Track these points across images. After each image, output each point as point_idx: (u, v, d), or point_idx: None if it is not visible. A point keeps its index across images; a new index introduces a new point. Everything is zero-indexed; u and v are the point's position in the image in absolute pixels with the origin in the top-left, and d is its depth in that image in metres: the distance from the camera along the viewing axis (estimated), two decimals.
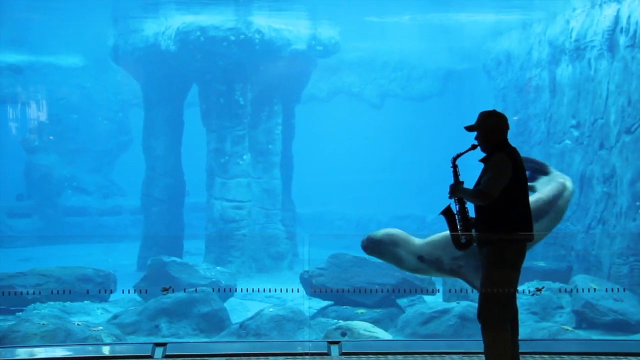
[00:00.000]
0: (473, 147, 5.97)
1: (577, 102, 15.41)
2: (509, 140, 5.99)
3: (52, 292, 13.16)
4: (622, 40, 13.57)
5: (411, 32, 22.01)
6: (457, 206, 6.06)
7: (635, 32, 13.10)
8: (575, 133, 15.41)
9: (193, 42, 17.72)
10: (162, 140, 19.67)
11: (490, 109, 6.08)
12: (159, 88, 19.67)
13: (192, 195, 22.17)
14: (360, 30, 21.41)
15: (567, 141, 15.66)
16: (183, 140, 20.11)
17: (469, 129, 5.96)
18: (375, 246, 7.26)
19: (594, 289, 12.17)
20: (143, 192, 19.95)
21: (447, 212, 6.16)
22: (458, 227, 6.08)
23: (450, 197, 6.10)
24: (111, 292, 13.94)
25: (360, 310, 12.67)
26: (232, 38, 17.62)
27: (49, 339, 10.26)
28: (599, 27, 14.35)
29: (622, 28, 13.58)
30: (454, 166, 6.06)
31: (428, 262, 7.14)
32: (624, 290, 12.32)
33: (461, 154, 6.01)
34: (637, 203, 12.89)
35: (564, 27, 16.06)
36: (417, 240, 7.26)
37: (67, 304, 13.30)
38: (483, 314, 5.90)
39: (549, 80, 16.75)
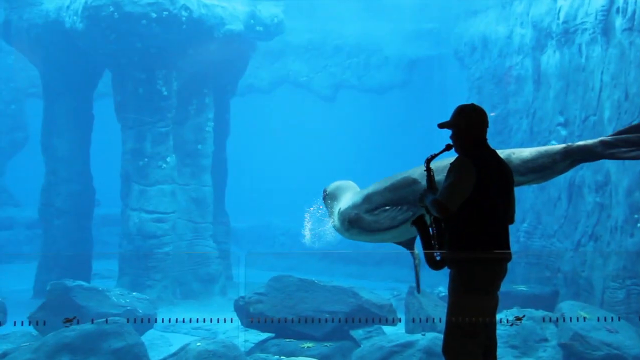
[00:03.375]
0: (447, 147, 5.97)
1: (565, 96, 15.62)
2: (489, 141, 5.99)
3: None
4: (619, 22, 13.76)
5: (369, 12, 22.11)
6: (431, 216, 5.97)
7: (634, 12, 13.28)
8: (563, 132, 15.62)
9: (105, 19, 17.53)
10: (66, 138, 19.54)
11: (466, 102, 6.09)
12: (63, 75, 19.49)
13: (103, 206, 21.97)
14: (309, 8, 21.45)
15: (554, 142, 15.87)
16: (92, 139, 19.96)
17: (442, 126, 5.95)
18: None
19: (584, 318, 12.30)
20: (42, 202, 19.77)
21: (418, 222, 6.07)
22: (432, 241, 5.96)
23: (420, 205, 6.05)
24: (0, 324, 13.69)
25: (307, 344, 12.72)
26: (154, 15, 17.47)
27: None
28: (592, 7, 14.55)
29: (618, 8, 13.77)
30: (428, 169, 6.03)
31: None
32: (619, 320, 12.46)
33: (435, 155, 6.02)
34: (636, 216, 13.05)
35: (551, 6, 16.27)
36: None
37: None
38: (448, 347, 5.90)
39: (533, 70, 16.95)
